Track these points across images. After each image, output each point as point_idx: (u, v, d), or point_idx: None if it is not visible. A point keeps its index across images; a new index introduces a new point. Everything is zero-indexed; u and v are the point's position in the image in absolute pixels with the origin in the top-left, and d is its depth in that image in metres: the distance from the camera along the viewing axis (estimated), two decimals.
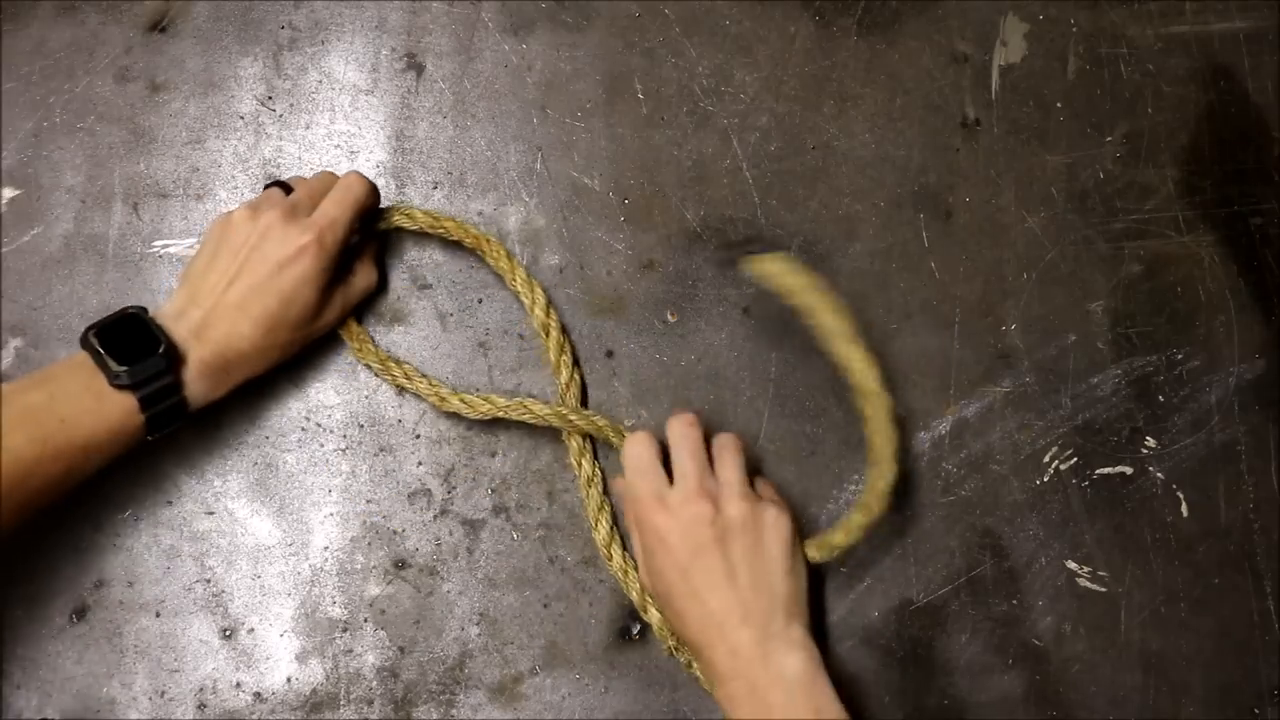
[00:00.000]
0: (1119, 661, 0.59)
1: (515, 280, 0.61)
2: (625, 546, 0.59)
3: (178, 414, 0.53)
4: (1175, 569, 0.60)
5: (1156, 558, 0.60)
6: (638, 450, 0.55)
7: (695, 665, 0.56)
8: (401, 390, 0.61)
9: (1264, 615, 0.60)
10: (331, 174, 0.61)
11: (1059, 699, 0.58)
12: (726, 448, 0.56)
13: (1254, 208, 0.66)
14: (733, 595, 0.51)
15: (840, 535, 0.56)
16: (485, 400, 0.58)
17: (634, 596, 0.58)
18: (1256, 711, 0.59)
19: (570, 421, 0.58)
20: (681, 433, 0.56)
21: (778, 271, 0.56)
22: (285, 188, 0.59)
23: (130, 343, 0.51)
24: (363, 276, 0.61)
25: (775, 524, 0.53)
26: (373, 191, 0.60)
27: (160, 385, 0.51)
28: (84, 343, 0.52)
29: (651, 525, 0.53)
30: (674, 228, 0.64)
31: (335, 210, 0.57)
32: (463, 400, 0.58)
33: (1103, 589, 0.60)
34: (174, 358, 0.52)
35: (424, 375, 0.60)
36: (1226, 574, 0.60)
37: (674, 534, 0.52)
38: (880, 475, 0.55)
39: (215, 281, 0.55)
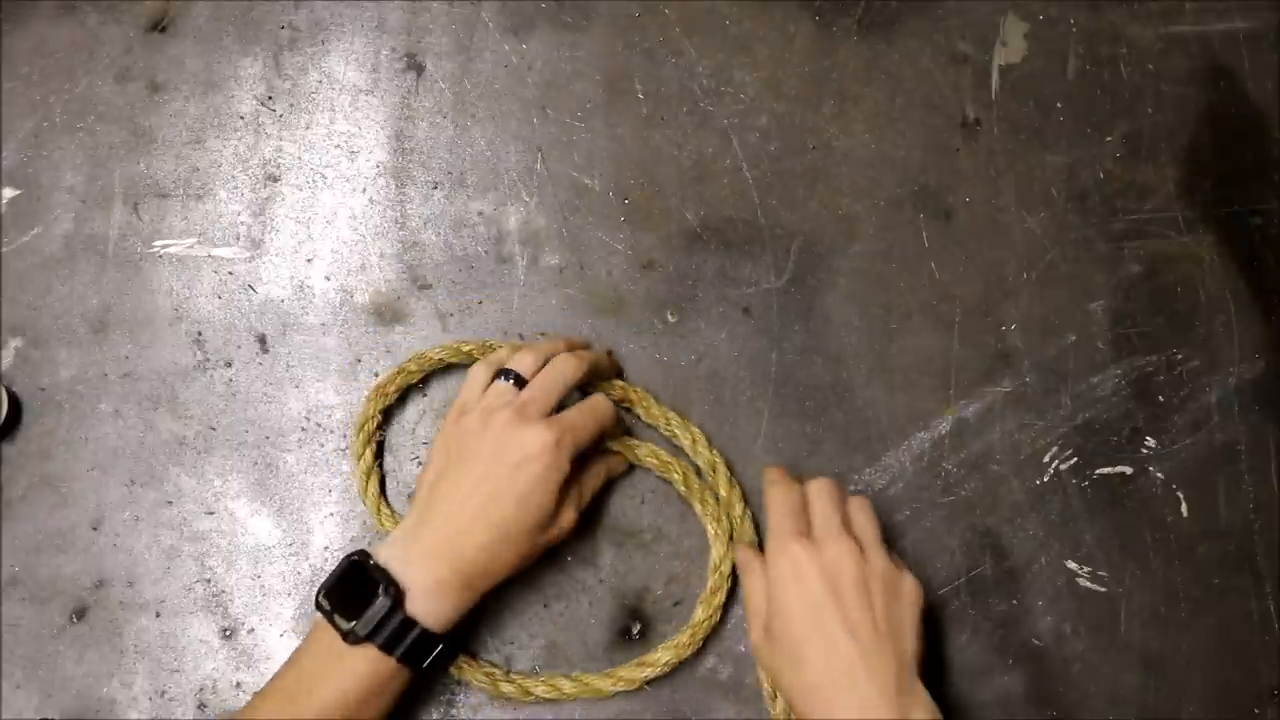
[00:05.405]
0: (1119, 661, 0.59)
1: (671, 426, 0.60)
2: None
3: (429, 642, 0.50)
4: (1175, 569, 0.60)
5: (1156, 558, 0.60)
6: (783, 491, 0.55)
7: None
8: None
9: (1264, 615, 0.60)
10: (564, 357, 0.57)
11: (1059, 699, 0.58)
12: (864, 509, 0.55)
13: (1254, 208, 0.66)
14: (867, 644, 0.49)
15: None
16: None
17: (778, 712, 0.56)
18: (1256, 711, 0.59)
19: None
20: (822, 485, 0.55)
21: None
22: (515, 378, 0.55)
23: (362, 589, 0.49)
24: (592, 480, 0.57)
25: (914, 588, 0.52)
26: (615, 412, 0.57)
27: (393, 628, 0.49)
28: (317, 604, 0.51)
29: (790, 555, 0.51)
30: (674, 228, 0.64)
31: (580, 419, 0.54)
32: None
33: (1103, 589, 0.60)
34: (398, 597, 0.49)
35: None
36: (1226, 574, 0.60)
37: (814, 568, 0.50)
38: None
39: (448, 492, 0.52)
